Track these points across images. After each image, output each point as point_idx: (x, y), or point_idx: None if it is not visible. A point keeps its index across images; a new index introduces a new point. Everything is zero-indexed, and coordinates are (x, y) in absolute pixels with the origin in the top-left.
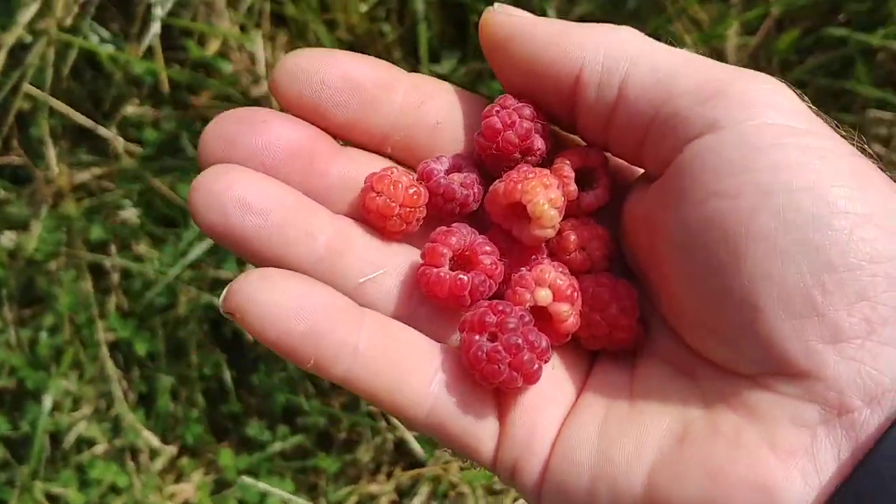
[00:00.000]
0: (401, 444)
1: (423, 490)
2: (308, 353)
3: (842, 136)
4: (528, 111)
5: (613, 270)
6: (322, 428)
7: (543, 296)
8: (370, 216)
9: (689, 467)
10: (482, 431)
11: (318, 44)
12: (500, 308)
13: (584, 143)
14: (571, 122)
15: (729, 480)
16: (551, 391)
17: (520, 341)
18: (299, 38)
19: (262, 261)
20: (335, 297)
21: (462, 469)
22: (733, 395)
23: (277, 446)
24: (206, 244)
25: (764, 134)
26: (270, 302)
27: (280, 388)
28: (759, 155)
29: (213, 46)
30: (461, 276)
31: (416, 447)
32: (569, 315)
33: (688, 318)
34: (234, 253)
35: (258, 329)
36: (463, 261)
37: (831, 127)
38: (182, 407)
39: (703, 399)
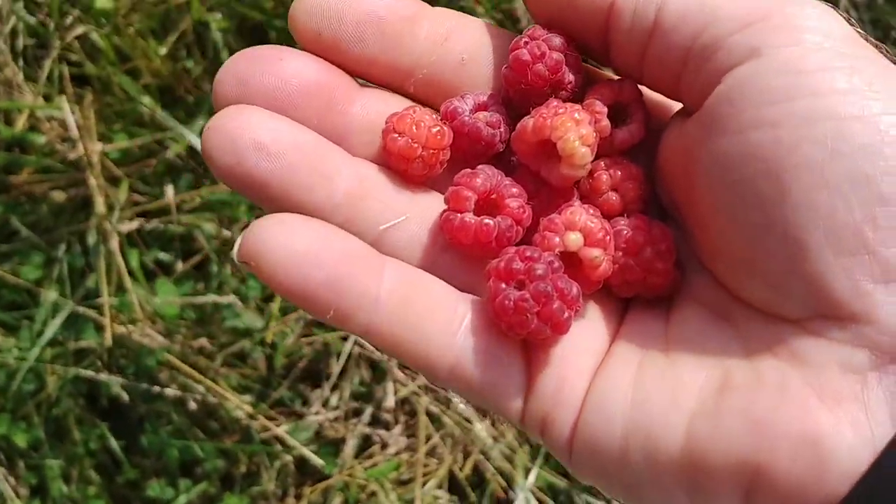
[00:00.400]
0: (302, 463)
1: (336, 501)
2: (328, 303)
3: (892, 61)
4: (558, 41)
5: (648, 212)
6: (222, 470)
7: (574, 240)
8: (391, 159)
9: (730, 418)
10: (509, 385)
11: (126, 96)
12: (528, 254)
13: (616, 77)
14: (605, 53)
15: (774, 431)
16: (582, 341)
17: (549, 289)
18: (105, 93)
19: (278, 206)
20: (356, 244)
21: (366, 469)
22: (777, 341)
23: (182, 500)
24: (59, 319)
25: (809, 59)
26: (288, 248)
27: (170, 441)
28: (803, 81)
29: (21, 122)
30: (486, 221)
31: (317, 461)
32: (601, 260)
33: (728, 258)
34: (250, 198)
35: (274, 277)
36: (488, 204)
37: (882, 53)
38: (77, 488)
39: (745, 346)
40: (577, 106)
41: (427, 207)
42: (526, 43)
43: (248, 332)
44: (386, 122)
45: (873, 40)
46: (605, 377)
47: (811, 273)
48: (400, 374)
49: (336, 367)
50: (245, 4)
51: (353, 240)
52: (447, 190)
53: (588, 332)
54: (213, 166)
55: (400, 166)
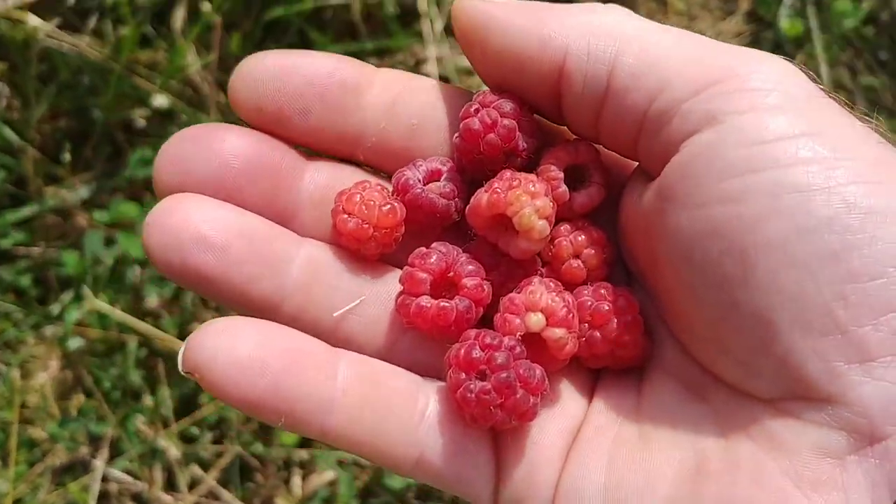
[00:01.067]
0: None
1: None
2: (278, 411)
3: (860, 119)
4: (509, 107)
5: (614, 275)
6: None
7: (536, 321)
8: (343, 240)
9: None
10: (478, 475)
11: None
12: (488, 341)
13: (573, 137)
14: (558, 114)
15: None
16: (551, 422)
17: (511, 378)
18: None
19: (226, 301)
20: (306, 343)
21: None
22: (751, 421)
23: None
24: None
25: (769, 127)
26: (231, 356)
27: None
28: (764, 152)
29: None
30: (444, 304)
31: None
32: (565, 341)
33: (696, 335)
34: (197, 293)
35: (220, 389)
36: (445, 283)
37: (848, 110)
38: None
39: (719, 425)
40: (532, 176)
41: (382, 287)
42: (476, 110)
43: None
44: (335, 202)
45: (835, 96)
46: (577, 461)
47: (782, 354)
48: (167, 498)
49: None
50: None
51: (302, 338)
52: (402, 271)
53: (557, 411)
54: (155, 264)
55: (352, 247)
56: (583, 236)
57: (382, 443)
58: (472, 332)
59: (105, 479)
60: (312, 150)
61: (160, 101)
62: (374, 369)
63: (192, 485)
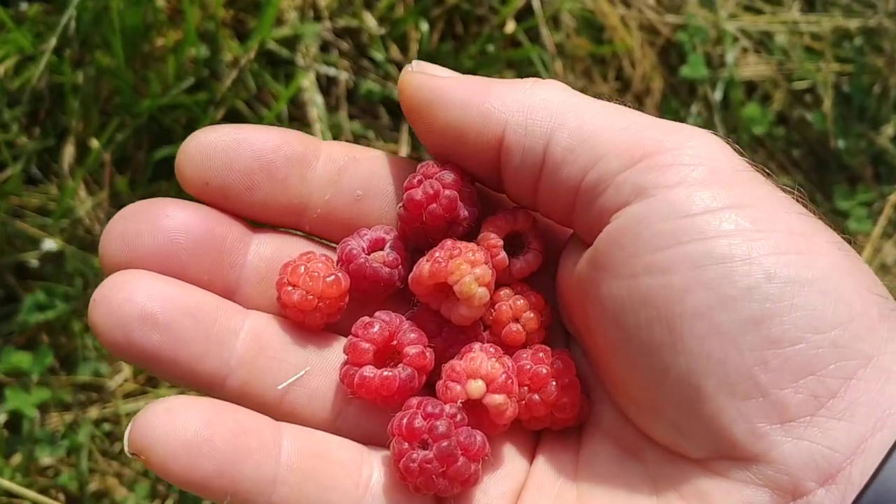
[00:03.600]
0: None
1: None
2: (223, 491)
3: (783, 190)
4: (451, 178)
5: (552, 335)
6: None
7: (476, 388)
8: (288, 311)
9: None
10: None
11: None
12: (430, 409)
13: (512, 204)
14: (498, 184)
15: None
16: (493, 486)
17: (453, 446)
18: None
19: (172, 378)
20: (249, 420)
21: None
22: (683, 480)
23: None
24: None
25: (694, 200)
26: (175, 438)
27: None
28: (689, 225)
29: None
30: (386, 373)
31: None
32: (506, 406)
33: (629, 397)
34: (143, 370)
35: (164, 470)
36: (389, 352)
37: (771, 181)
38: None
39: (653, 486)
40: (472, 245)
41: (326, 357)
42: (419, 182)
43: None
44: (280, 274)
45: (759, 167)
46: None
47: (709, 416)
48: None
49: None
50: None
51: (247, 415)
52: (346, 341)
53: (500, 474)
54: (101, 341)
55: (297, 318)
56: (522, 300)
57: None
58: (415, 401)
59: None
60: (258, 222)
61: (49, 244)
62: (318, 442)
63: None
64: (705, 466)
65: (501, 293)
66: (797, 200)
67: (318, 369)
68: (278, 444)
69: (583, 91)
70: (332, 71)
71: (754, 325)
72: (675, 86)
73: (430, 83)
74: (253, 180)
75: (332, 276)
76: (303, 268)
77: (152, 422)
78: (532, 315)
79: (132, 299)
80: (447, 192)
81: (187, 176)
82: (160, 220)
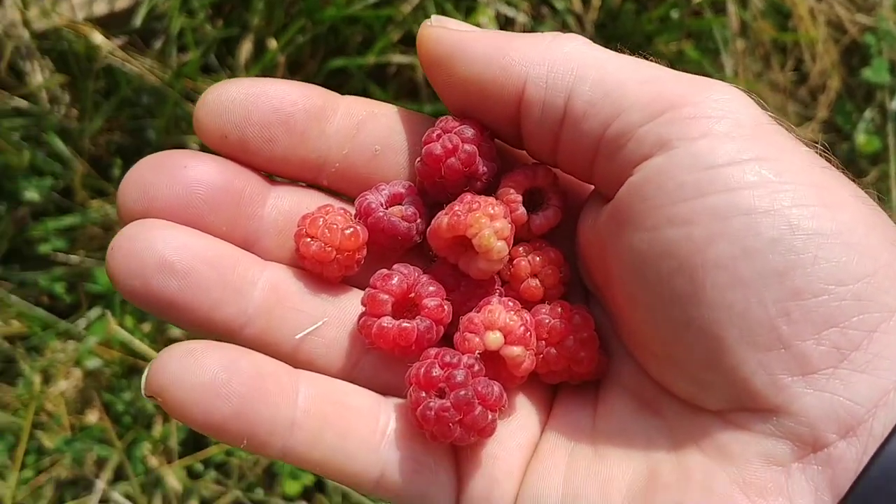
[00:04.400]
0: None
1: None
2: (241, 433)
3: (806, 145)
4: (470, 133)
5: (572, 293)
6: None
7: (494, 340)
8: (306, 263)
9: None
10: (438, 491)
11: None
12: (448, 359)
13: (532, 162)
14: (518, 140)
15: None
16: (510, 437)
17: (470, 395)
18: None
19: (189, 326)
20: (266, 365)
21: None
22: (702, 433)
23: None
24: None
25: (718, 152)
26: (193, 382)
27: None
28: (713, 176)
29: None
30: (405, 324)
31: None
32: (523, 358)
33: (649, 350)
34: (160, 317)
35: (182, 413)
36: (407, 304)
37: (794, 136)
38: None
39: (671, 438)
40: (492, 199)
41: (345, 308)
42: (438, 136)
43: None
44: (298, 226)
45: (784, 122)
46: (536, 474)
47: (729, 368)
48: None
49: None
50: None
51: (264, 360)
52: (364, 292)
53: (516, 426)
54: (118, 288)
55: (315, 269)
56: (540, 256)
57: (343, 462)
58: (433, 351)
59: (104, 500)
60: (277, 175)
61: None
62: (335, 389)
63: None
64: (725, 419)
65: (520, 249)
66: (821, 155)
67: (335, 321)
68: (296, 389)
69: (758, 77)
70: (511, 11)
71: (777, 276)
72: (852, 87)
73: (450, 37)
74: (271, 133)
75: (351, 229)
76: (321, 220)
77: (170, 365)
78: (550, 270)
79: (150, 247)
80: (466, 146)
81: (206, 128)
82: (178, 171)
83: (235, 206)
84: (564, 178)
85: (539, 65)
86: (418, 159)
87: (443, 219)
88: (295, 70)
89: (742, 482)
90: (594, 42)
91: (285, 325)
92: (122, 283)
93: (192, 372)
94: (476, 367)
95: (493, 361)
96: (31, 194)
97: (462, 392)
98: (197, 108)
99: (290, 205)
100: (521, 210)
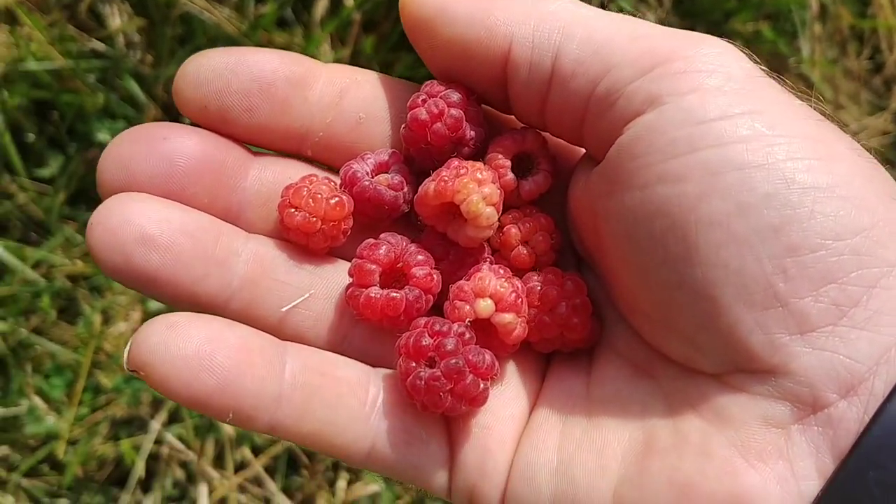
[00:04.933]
0: None
1: None
2: (226, 407)
3: (799, 98)
4: (456, 97)
5: (563, 260)
6: None
7: (485, 307)
8: (290, 234)
9: (656, 483)
10: (431, 462)
11: None
12: (437, 328)
13: (520, 125)
14: (505, 103)
15: (699, 495)
16: (503, 407)
17: (461, 364)
18: None
19: (172, 300)
20: (251, 338)
21: None
22: (698, 397)
23: None
24: None
25: (709, 106)
26: (177, 355)
27: None
28: (704, 131)
29: None
30: (393, 294)
31: None
32: (514, 325)
33: (643, 313)
34: (142, 293)
35: (165, 386)
36: (395, 274)
37: (787, 89)
38: None
39: (667, 402)
40: (479, 164)
41: (332, 280)
42: (423, 101)
43: (52, 436)
44: (282, 196)
45: (775, 75)
46: (530, 443)
47: (725, 329)
48: (214, 474)
49: (145, 469)
50: (28, 83)
51: (249, 332)
52: (351, 262)
53: (509, 396)
54: (99, 264)
55: (300, 241)
56: (531, 223)
57: (333, 434)
58: (422, 321)
59: (158, 441)
60: (259, 147)
61: None
62: (323, 360)
63: (240, 466)
64: (722, 381)
65: (509, 216)
66: (814, 108)
67: (323, 293)
68: (282, 362)
69: (833, 63)
70: None
71: (773, 232)
72: None
73: None
74: (251, 102)
75: (336, 198)
76: (305, 190)
77: (153, 338)
78: (541, 237)
79: (130, 221)
80: (452, 111)
81: (186, 99)
82: (158, 143)
83: (217, 177)
84: (555, 142)
85: (524, 24)
86: (403, 125)
87: (429, 185)
88: (370, 29)
89: (740, 445)
90: (670, 19)
91: (271, 298)
92: (102, 259)
93: (175, 345)
94: (467, 336)
95: (484, 330)
96: (104, 136)
97: (452, 361)
98: (176, 79)
99: (273, 176)
100: (510, 176)
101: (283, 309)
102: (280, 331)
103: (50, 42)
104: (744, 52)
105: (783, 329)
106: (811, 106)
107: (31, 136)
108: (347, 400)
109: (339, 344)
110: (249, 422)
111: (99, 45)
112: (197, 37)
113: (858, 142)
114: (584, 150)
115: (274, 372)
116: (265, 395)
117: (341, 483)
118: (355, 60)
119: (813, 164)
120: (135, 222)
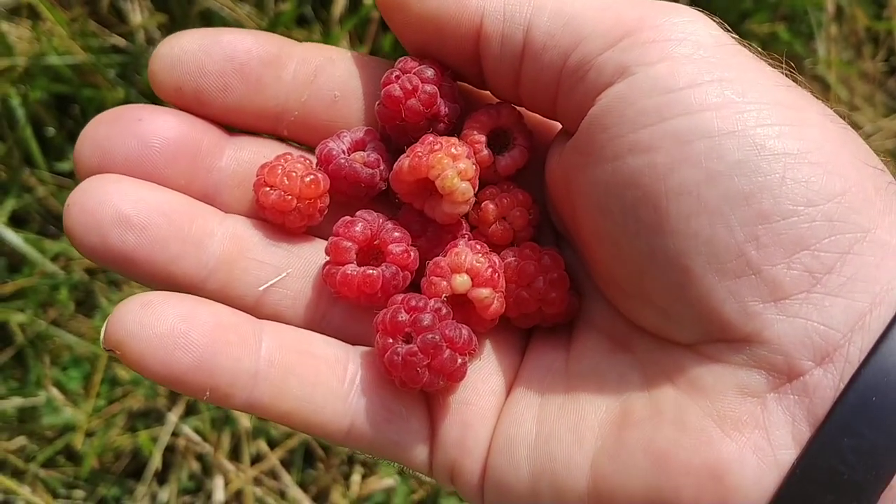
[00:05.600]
0: None
1: None
2: (202, 385)
3: (770, 65)
4: (430, 73)
5: (541, 235)
6: None
7: (461, 283)
8: (266, 213)
9: (632, 454)
10: (411, 438)
11: None
12: (413, 303)
13: (495, 101)
14: (479, 78)
15: (675, 465)
16: (482, 382)
17: (437, 339)
18: None
19: (149, 280)
20: (227, 316)
21: None
22: (674, 367)
23: None
24: None
25: (678, 74)
26: (152, 332)
27: None
28: (673, 100)
29: None
30: (370, 271)
31: None
32: (491, 300)
33: (618, 286)
34: (119, 273)
35: (141, 365)
36: (372, 251)
37: (758, 56)
38: None
39: (643, 374)
40: (454, 139)
41: (309, 259)
42: (397, 77)
43: (69, 428)
44: (257, 175)
45: (746, 43)
46: (509, 418)
47: (698, 298)
48: (230, 466)
49: (161, 461)
50: (49, 77)
51: (225, 311)
52: (328, 241)
53: (488, 371)
54: (76, 245)
55: (276, 220)
56: (508, 199)
57: (311, 413)
58: (399, 297)
59: (175, 433)
60: (235, 127)
61: None
62: (300, 339)
63: (256, 459)
64: (696, 351)
65: (486, 192)
66: (785, 74)
67: (300, 272)
68: (258, 339)
69: (849, 65)
70: None
71: (744, 200)
72: None
73: None
74: (226, 82)
75: (311, 176)
76: (280, 168)
77: (128, 317)
78: (519, 213)
79: (106, 202)
80: (426, 86)
81: (160, 81)
82: (133, 124)
83: (192, 158)
84: (532, 118)
85: None
86: (378, 102)
87: (404, 161)
88: (388, 27)
89: (716, 415)
90: None
91: (248, 278)
92: (79, 239)
93: (149, 324)
94: (443, 311)
95: (462, 306)
96: None
97: (429, 336)
98: (151, 62)
99: (249, 156)
100: (486, 151)
101: (261, 288)
102: (258, 310)
103: (71, 37)
104: (713, 20)
105: (756, 297)
106: (783, 73)
107: (51, 131)
108: (325, 378)
109: (318, 322)
110: (226, 399)
111: (119, 41)
112: None
113: (872, 144)
114: (560, 125)
115: (250, 349)
116: (241, 373)
117: (356, 477)
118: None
119: (784, 130)
120: (111, 203)
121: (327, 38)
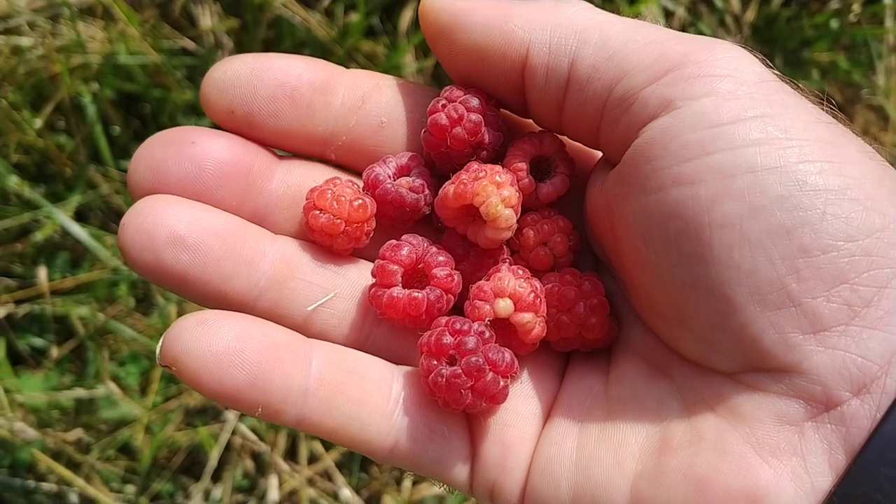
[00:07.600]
0: None
1: None
2: (254, 401)
3: (811, 102)
4: (475, 102)
5: (581, 261)
6: None
7: (504, 307)
8: (315, 235)
9: (672, 479)
10: (453, 457)
11: None
12: (458, 327)
13: (538, 129)
14: (523, 107)
15: (715, 490)
16: (523, 405)
17: (481, 362)
18: None
19: (202, 299)
20: (278, 335)
21: None
22: (713, 394)
23: None
24: None
25: (722, 110)
26: (208, 350)
27: None
28: (717, 135)
29: None
30: (415, 294)
31: None
32: (533, 324)
33: (659, 313)
34: (172, 291)
35: (196, 381)
36: (417, 275)
37: (800, 93)
38: None
39: (683, 401)
40: (498, 167)
41: (355, 281)
42: (443, 106)
43: (126, 422)
44: (306, 199)
45: (787, 79)
46: (549, 440)
47: (739, 328)
48: (284, 466)
49: (218, 458)
50: (119, 76)
51: (276, 330)
52: (374, 263)
53: (529, 394)
54: (130, 263)
55: (324, 242)
56: (549, 225)
57: (358, 430)
58: (444, 320)
59: (233, 431)
60: (284, 151)
61: None
62: (348, 357)
63: (311, 460)
64: (736, 380)
65: (528, 218)
66: (826, 111)
67: (347, 293)
68: (309, 358)
69: None
70: (671, 4)
71: (785, 234)
72: None
73: (451, 6)
74: (277, 107)
75: (359, 200)
76: (329, 192)
77: (184, 334)
78: (559, 238)
79: (161, 222)
80: (472, 115)
81: (213, 104)
82: (187, 147)
83: (244, 180)
84: (572, 145)
85: (541, 30)
86: (424, 130)
87: (449, 188)
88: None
89: (755, 442)
90: (748, 45)
91: (297, 298)
92: (134, 258)
93: (205, 341)
94: (487, 334)
95: (504, 330)
96: None
97: (473, 358)
98: (203, 85)
99: (298, 179)
100: (528, 178)
101: (309, 308)
102: (306, 329)
103: (143, 38)
104: (756, 56)
105: (796, 328)
106: (823, 110)
107: (117, 129)
108: (372, 396)
109: (363, 342)
110: (277, 416)
111: (189, 44)
112: (285, 40)
113: None
114: (600, 154)
115: (301, 368)
116: (292, 390)
117: (407, 483)
118: (438, 71)
119: (825, 166)
120: (165, 223)
121: (394, 50)
